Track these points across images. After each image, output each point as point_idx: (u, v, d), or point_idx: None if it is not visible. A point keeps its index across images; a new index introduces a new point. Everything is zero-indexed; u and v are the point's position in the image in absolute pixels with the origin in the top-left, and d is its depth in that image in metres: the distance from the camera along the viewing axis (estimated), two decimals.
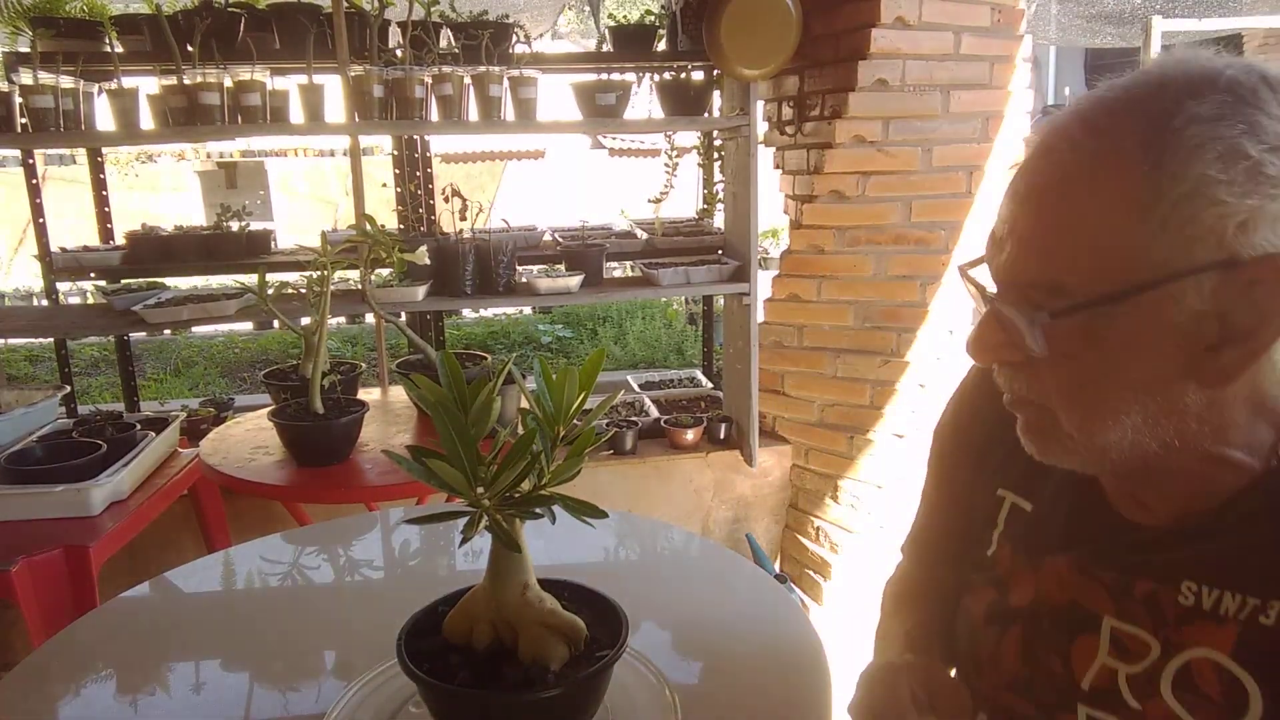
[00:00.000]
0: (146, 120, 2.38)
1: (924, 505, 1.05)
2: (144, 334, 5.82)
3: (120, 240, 2.93)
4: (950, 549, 0.99)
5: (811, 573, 2.93)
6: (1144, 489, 0.76)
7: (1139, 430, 0.67)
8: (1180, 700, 0.72)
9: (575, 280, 2.60)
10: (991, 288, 0.71)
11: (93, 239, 2.98)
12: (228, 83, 2.35)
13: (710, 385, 3.51)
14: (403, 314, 2.94)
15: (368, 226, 2.01)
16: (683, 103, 2.73)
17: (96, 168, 2.98)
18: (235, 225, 2.99)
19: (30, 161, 2.80)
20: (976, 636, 0.89)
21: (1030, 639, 0.83)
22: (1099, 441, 0.69)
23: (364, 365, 2.46)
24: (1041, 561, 0.83)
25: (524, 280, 2.63)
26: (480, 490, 0.88)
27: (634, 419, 3.02)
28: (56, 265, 2.76)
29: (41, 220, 2.78)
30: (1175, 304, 0.63)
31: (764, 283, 2.89)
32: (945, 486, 1.01)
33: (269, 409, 2.07)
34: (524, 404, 0.94)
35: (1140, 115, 0.63)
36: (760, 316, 2.89)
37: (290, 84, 2.45)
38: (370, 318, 3.15)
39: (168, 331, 5.85)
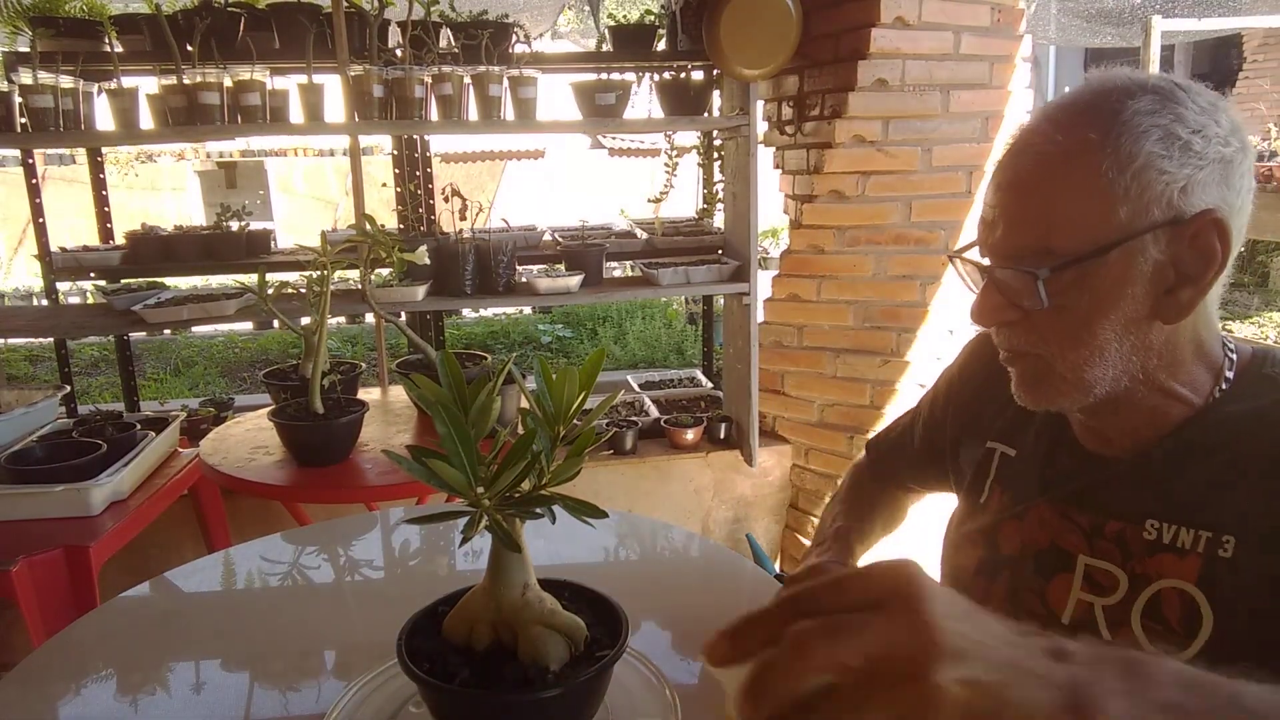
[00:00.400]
0: (146, 120, 2.38)
1: (900, 426, 1.26)
2: (144, 334, 5.83)
3: (120, 240, 2.93)
4: (903, 474, 1.25)
5: None
6: (1108, 422, 0.91)
7: (1117, 366, 0.84)
8: (1145, 628, 0.85)
9: (575, 280, 2.60)
10: (986, 263, 0.87)
11: (93, 239, 2.98)
12: (227, 82, 2.35)
13: (710, 385, 3.51)
14: (403, 314, 2.94)
15: (368, 226, 2.01)
16: (683, 102, 2.73)
17: (96, 167, 2.98)
18: (235, 225, 2.99)
19: (30, 161, 2.80)
20: (966, 589, 1.00)
21: (1015, 583, 0.97)
22: (1088, 378, 0.84)
23: (364, 365, 2.46)
24: (1026, 510, 0.97)
25: (524, 280, 2.63)
26: (480, 490, 0.87)
27: (634, 419, 3.02)
28: (56, 265, 2.76)
29: (41, 220, 2.78)
30: (1141, 255, 0.80)
31: (764, 283, 2.88)
32: (924, 425, 1.20)
33: (269, 409, 2.07)
34: (524, 404, 0.94)
35: (1095, 113, 0.81)
36: (760, 316, 2.88)
37: (290, 84, 2.45)
38: (370, 318, 3.15)
39: (168, 331, 5.85)
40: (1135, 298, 0.81)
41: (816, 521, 2.92)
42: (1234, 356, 0.88)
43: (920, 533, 1.37)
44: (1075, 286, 0.81)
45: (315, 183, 10.63)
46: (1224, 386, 0.86)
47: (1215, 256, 0.80)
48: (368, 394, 2.49)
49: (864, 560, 1.23)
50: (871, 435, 1.37)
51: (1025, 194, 0.83)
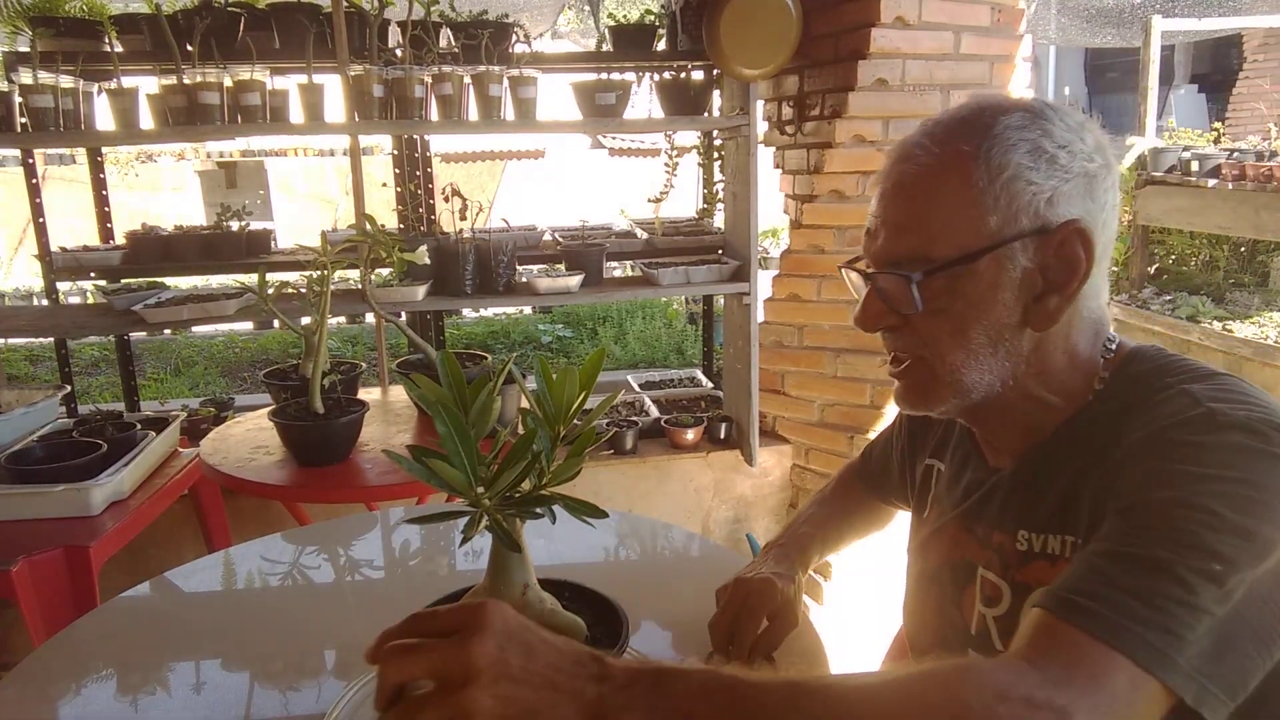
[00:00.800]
0: (146, 120, 2.38)
1: (882, 441, 1.29)
2: (144, 334, 5.82)
3: (120, 240, 2.93)
4: (876, 485, 1.28)
5: (812, 573, 2.93)
6: (994, 433, 0.96)
7: (992, 371, 0.88)
8: None
9: (575, 280, 2.60)
10: (868, 271, 0.91)
11: (93, 239, 2.98)
12: (227, 82, 2.35)
13: (710, 385, 3.51)
14: (403, 314, 2.94)
15: (368, 226, 2.01)
16: (683, 102, 2.73)
17: (96, 167, 2.98)
18: (235, 225, 2.99)
19: (30, 161, 2.80)
20: (910, 604, 1.08)
21: (940, 597, 1.01)
22: (965, 381, 0.88)
23: (364, 365, 2.46)
24: (943, 526, 1.01)
25: (524, 280, 2.63)
26: (480, 490, 0.88)
27: (634, 419, 3.02)
28: (56, 265, 2.76)
29: (41, 220, 2.77)
30: (1010, 263, 0.84)
31: (764, 282, 2.88)
32: (891, 443, 1.24)
33: (269, 409, 2.07)
34: (524, 404, 0.94)
35: (969, 128, 0.86)
36: (760, 316, 2.88)
37: (290, 84, 2.45)
38: (370, 317, 3.15)
39: (168, 331, 5.85)
40: (1006, 304, 0.85)
41: None
42: (1110, 350, 0.90)
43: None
44: (949, 291, 0.85)
45: (315, 183, 10.63)
46: (1099, 388, 0.88)
47: (1080, 265, 0.84)
48: (368, 394, 2.49)
49: (837, 555, 1.28)
50: (872, 437, 1.38)
51: (903, 203, 0.87)
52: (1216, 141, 5.92)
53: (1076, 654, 0.67)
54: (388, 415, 2.36)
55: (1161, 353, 0.90)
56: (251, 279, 2.23)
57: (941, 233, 0.85)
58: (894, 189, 0.88)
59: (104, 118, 2.38)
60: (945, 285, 0.85)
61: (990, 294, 0.85)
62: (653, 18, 3.02)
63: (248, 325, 6.52)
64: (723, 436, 2.98)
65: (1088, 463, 0.84)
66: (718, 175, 3.18)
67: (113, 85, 2.32)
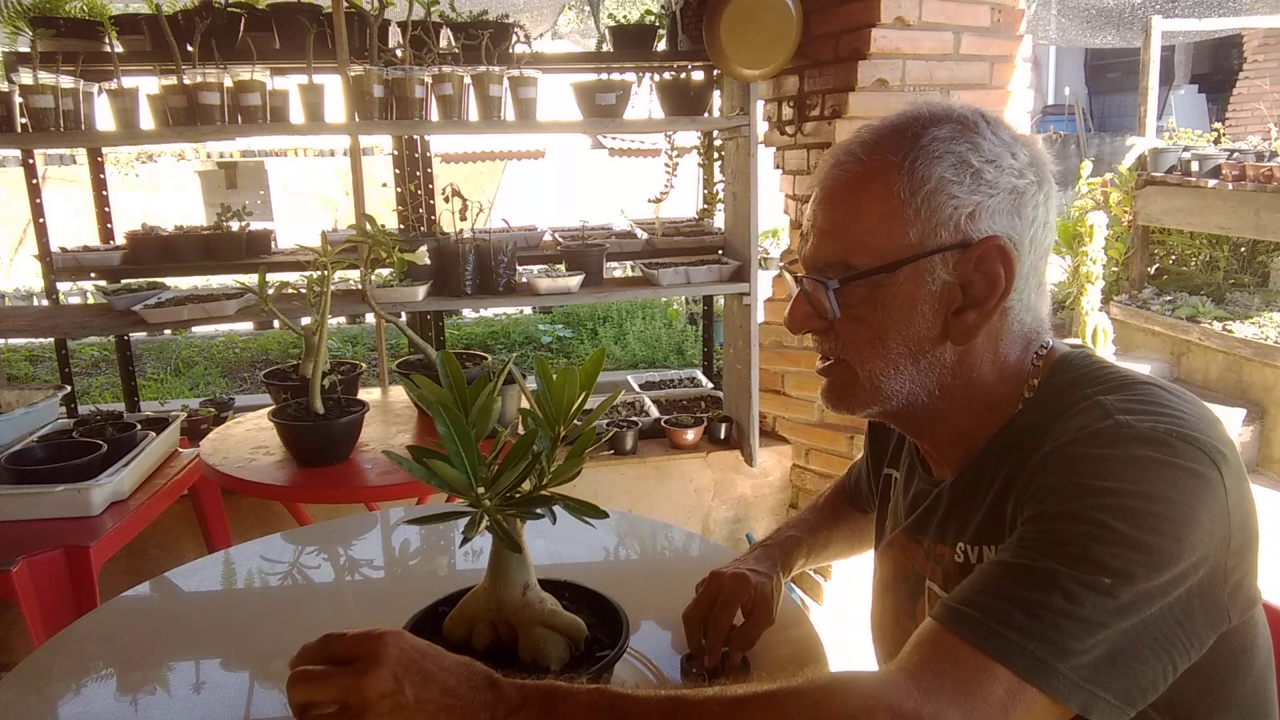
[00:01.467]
0: (146, 120, 2.38)
1: (860, 456, 1.28)
2: (144, 334, 5.83)
3: (120, 240, 2.92)
4: (858, 500, 1.27)
5: (811, 572, 2.93)
6: (930, 442, 0.96)
7: (913, 380, 0.87)
8: None
9: (575, 280, 2.60)
10: (800, 273, 0.91)
11: (93, 239, 2.98)
12: (228, 83, 2.35)
13: (710, 385, 3.51)
14: (403, 314, 2.94)
15: (368, 226, 2.01)
16: (683, 103, 2.73)
17: (96, 168, 2.98)
18: (235, 225, 2.99)
19: (30, 161, 2.79)
20: (872, 613, 1.09)
21: (896, 607, 1.01)
22: (884, 389, 0.88)
23: (364, 365, 2.46)
24: (894, 538, 1.02)
25: (524, 280, 2.63)
26: (481, 490, 0.88)
27: (634, 419, 3.02)
28: (56, 265, 2.76)
29: (41, 220, 2.77)
30: (929, 275, 0.84)
31: (764, 283, 2.88)
32: (864, 457, 1.24)
33: (269, 409, 2.07)
34: (524, 404, 0.94)
35: (898, 137, 0.85)
36: (760, 316, 2.88)
37: (290, 84, 2.45)
38: (370, 318, 3.15)
39: (168, 331, 5.85)
40: (924, 316, 0.85)
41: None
42: (1040, 358, 0.89)
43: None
44: (868, 301, 0.85)
45: (315, 183, 10.63)
46: (1028, 396, 0.88)
47: (999, 282, 0.83)
48: (368, 394, 2.49)
49: (823, 564, 1.29)
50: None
51: (830, 209, 0.87)
52: (1216, 142, 5.92)
53: (952, 662, 0.68)
54: (388, 415, 2.36)
55: (1087, 359, 0.89)
56: (251, 279, 2.23)
57: (862, 241, 0.85)
58: (823, 194, 0.88)
59: (104, 118, 2.38)
60: (864, 294, 0.85)
61: (908, 305, 0.85)
62: (653, 18, 3.02)
63: (248, 325, 6.52)
64: (723, 437, 2.98)
65: (1012, 473, 0.84)
66: (718, 175, 3.18)
67: (113, 85, 2.32)
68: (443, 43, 2.55)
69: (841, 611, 2.82)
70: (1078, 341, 0.95)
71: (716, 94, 2.93)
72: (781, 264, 0.99)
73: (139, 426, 2.23)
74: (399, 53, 2.51)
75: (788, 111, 2.92)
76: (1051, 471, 0.76)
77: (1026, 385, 0.88)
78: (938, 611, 0.72)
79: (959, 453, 0.93)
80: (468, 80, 2.47)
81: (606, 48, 2.88)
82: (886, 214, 0.84)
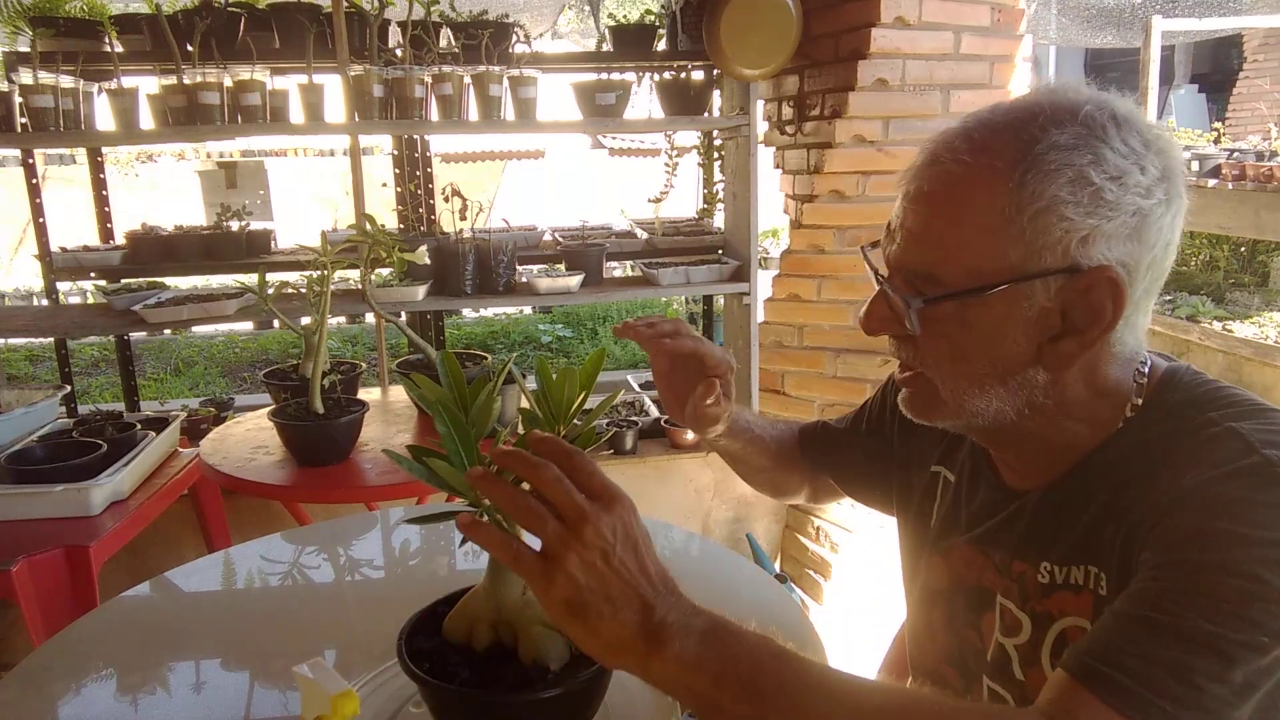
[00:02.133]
0: (146, 120, 2.38)
1: (843, 421, 1.21)
2: (144, 334, 5.82)
3: (120, 240, 2.93)
4: (831, 461, 1.20)
5: (811, 572, 2.93)
6: (1013, 453, 0.89)
7: (1000, 399, 0.80)
8: (1054, 666, 0.80)
9: (575, 280, 2.60)
10: (884, 270, 0.84)
11: (93, 239, 2.98)
12: (228, 82, 2.35)
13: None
14: (403, 314, 2.94)
15: (368, 226, 2.01)
16: (683, 102, 2.73)
17: (96, 168, 2.98)
18: (235, 225, 2.99)
19: (30, 161, 2.79)
20: (915, 618, 1.03)
21: (951, 616, 0.95)
22: (968, 407, 0.81)
23: (364, 365, 2.46)
24: (950, 545, 0.95)
25: (524, 280, 2.63)
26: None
27: (634, 419, 3.02)
28: (56, 265, 2.76)
29: (41, 220, 2.77)
30: (1027, 300, 0.75)
31: (764, 283, 2.88)
32: (868, 424, 1.16)
33: (269, 409, 2.07)
34: (524, 404, 0.94)
35: (1011, 138, 0.74)
36: (760, 316, 2.88)
37: (290, 84, 2.45)
38: (370, 318, 3.15)
39: (168, 331, 5.85)
40: (1016, 341, 0.77)
41: (817, 522, 2.92)
42: (1144, 381, 0.82)
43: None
44: (953, 319, 0.78)
45: (315, 183, 10.63)
46: (1130, 415, 0.81)
47: (1104, 315, 0.75)
48: (368, 394, 2.49)
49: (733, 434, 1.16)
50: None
51: (924, 212, 0.78)
52: (1216, 141, 5.92)
53: None
54: (388, 415, 2.36)
55: (1197, 377, 0.83)
56: (251, 279, 2.23)
57: (955, 255, 0.76)
58: (915, 194, 0.79)
59: (104, 118, 2.38)
60: (950, 311, 0.77)
61: (998, 329, 0.77)
62: (653, 18, 3.02)
63: (248, 325, 6.52)
64: None
65: (1118, 495, 0.78)
66: (718, 175, 3.18)
67: (113, 85, 2.32)
68: (443, 42, 2.55)
69: (842, 611, 2.82)
70: (1168, 355, 0.90)
71: (716, 94, 2.93)
72: (863, 249, 0.89)
73: (139, 426, 2.23)
74: (399, 52, 2.51)
75: (788, 111, 2.92)
76: (1190, 511, 0.69)
77: (1129, 403, 0.81)
78: (1074, 666, 0.67)
79: (1045, 465, 0.86)
80: (468, 80, 2.47)
81: (606, 47, 2.88)
82: (986, 229, 0.74)
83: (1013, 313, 0.76)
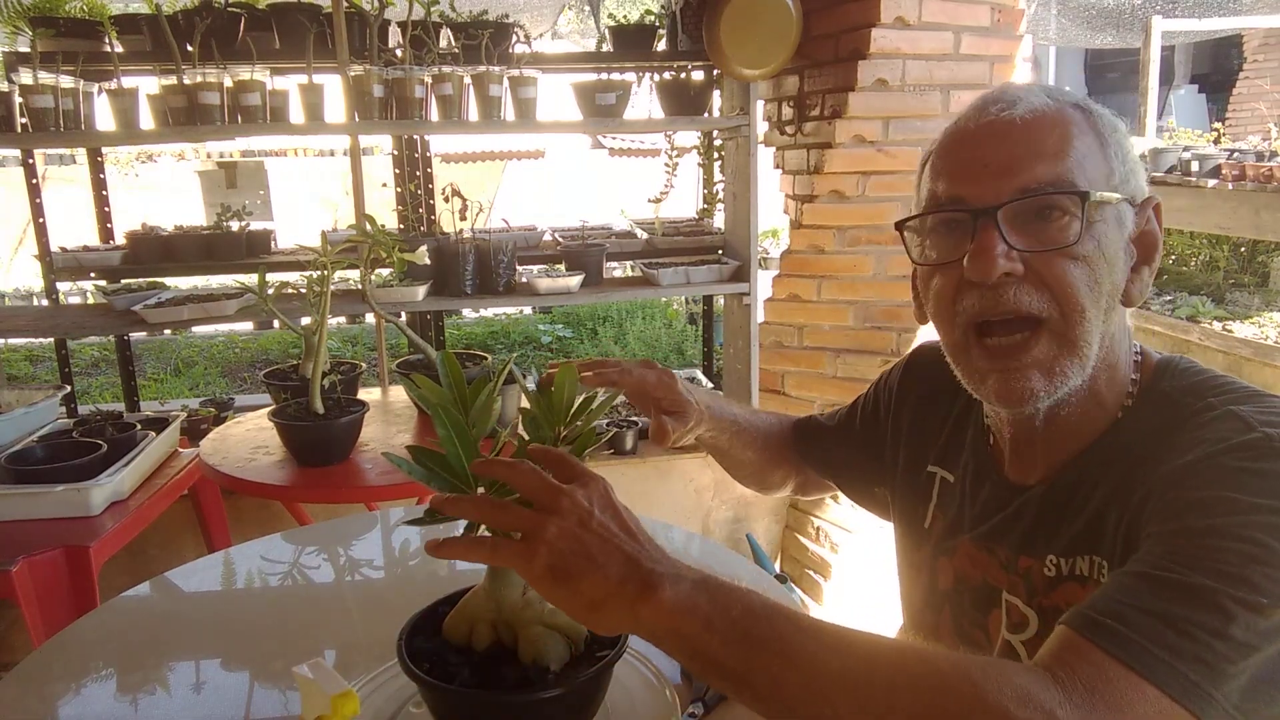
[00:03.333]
0: (146, 120, 2.38)
1: (833, 417, 1.21)
2: (144, 334, 5.82)
3: (120, 240, 2.93)
4: (821, 456, 1.20)
5: (811, 573, 2.93)
6: (1031, 439, 0.87)
7: (1100, 342, 0.80)
8: None
9: (575, 280, 2.60)
10: (998, 204, 0.78)
11: (93, 239, 2.98)
12: (228, 83, 2.35)
13: (710, 385, 3.50)
14: (403, 314, 2.94)
15: (368, 226, 2.01)
16: (683, 103, 2.73)
17: (96, 168, 2.98)
18: (235, 225, 2.99)
19: (30, 161, 2.80)
20: (919, 619, 1.01)
21: (957, 617, 0.95)
22: (1091, 351, 0.79)
23: (364, 365, 2.46)
24: (956, 545, 0.95)
25: (524, 280, 2.63)
26: (481, 490, 0.87)
27: (634, 419, 3.02)
28: (56, 265, 2.76)
29: (41, 220, 2.77)
30: (1127, 221, 0.80)
31: (764, 283, 2.88)
32: (861, 418, 1.16)
33: (269, 409, 2.07)
34: (524, 404, 0.94)
35: (1064, 94, 0.81)
36: (760, 316, 2.88)
37: (290, 84, 2.45)
38: (370, 318, 3.15)
39: (168, 331, 5.85)
40: (1121, 266, 0.80)
41: (817, 522, 2.92)
42: (1138, 359, 0.85)
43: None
44: (1089, 234, 0.77)
45: (315, 183, 10.63)
46: (1131, 390, 0.84)
47: (1158, 244, 0.82)
48: (368, 394, 2.49)
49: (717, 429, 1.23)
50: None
51: (1030, 135, 0.78)
52: (1216, 141, 5.92)
53: (1101, 679, 0.63)
54: (388, 415, 2.36)
55: (1194, 366, 0.84)
56: (251, 279, 2.23)
57: (1082, 165, 0.78)
58: (1010, 123, 0.78)
59: (104, 118, 2.38)
60: (1089, 225, 0.77)
61: (1114, 250, 0.79)
62: (653, 18, 3.02)
63: (248, 325, 6.52)
64: None
65: (1119, 483, 0.79)
66: (718, 175, 3.18)
67: (113, 85, 2.32)
68: (443, 43, 2.55)
69: (842, 611, 2.82)
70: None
71: (716, 94, 2.93)
72: (898, 224, 0.86)
73: (139, 426, 2.23)
74: (399, 53, 2.51)
75: (788, 111, 2.92)
76: (1192, 483, 0.71)
77: (1127, 388, 0.84)
78: (1076, 620, 0.67)
79: (1053, 457, 0.86)
80: (468, 80, 2.47)
81: (606, 48, 2.88)
82: (1094, 147, 0.79)
83: (1120, 234, 0.79)
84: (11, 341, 5.95)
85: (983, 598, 0.91)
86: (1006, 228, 0.77)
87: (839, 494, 1.23)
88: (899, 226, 0.87)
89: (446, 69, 2.44)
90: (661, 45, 2.88)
